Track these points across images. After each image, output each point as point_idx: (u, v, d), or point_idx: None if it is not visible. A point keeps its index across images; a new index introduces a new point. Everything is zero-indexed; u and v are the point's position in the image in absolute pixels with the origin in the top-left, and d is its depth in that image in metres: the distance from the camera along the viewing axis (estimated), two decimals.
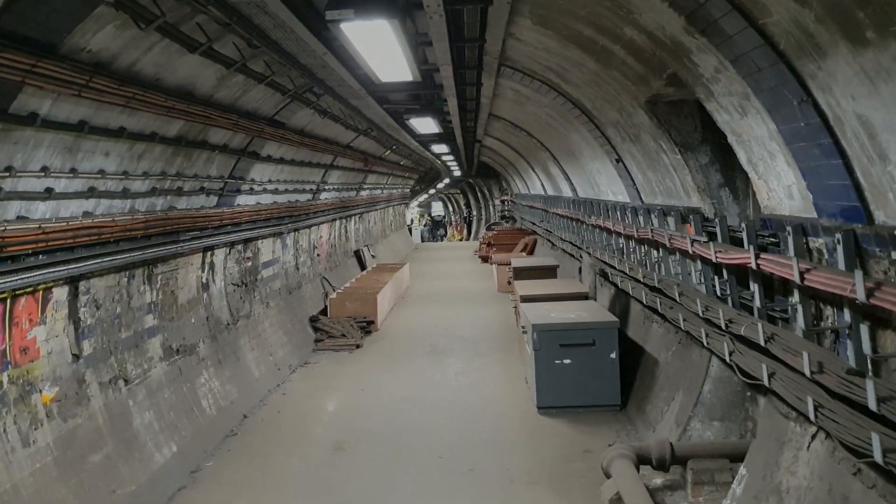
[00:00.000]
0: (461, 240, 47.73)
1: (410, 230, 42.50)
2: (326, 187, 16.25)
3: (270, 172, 11.66)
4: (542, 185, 20.88)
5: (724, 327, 6.27)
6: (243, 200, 10.95)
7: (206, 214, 9.38)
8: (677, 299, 7.61)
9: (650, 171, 8.81)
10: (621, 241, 11.17)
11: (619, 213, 10.99)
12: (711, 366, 7.57)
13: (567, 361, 9.23)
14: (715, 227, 6.97)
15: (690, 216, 7.52)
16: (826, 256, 4.95)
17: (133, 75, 6.15)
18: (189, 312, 9.37)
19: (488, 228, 33.81)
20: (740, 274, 6.62)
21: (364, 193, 22.45)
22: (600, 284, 11.89)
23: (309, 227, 15.81)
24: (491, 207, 43.89)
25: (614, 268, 10.99)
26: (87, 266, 6.66)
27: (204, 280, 9.94)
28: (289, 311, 13.59)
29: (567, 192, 16.42)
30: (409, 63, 6.30)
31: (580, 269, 12.84)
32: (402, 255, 30.69)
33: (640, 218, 9.95)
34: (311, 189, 15.01)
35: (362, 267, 21.48)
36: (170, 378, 8.41)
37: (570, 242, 15.92)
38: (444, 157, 24.05)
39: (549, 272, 14.56)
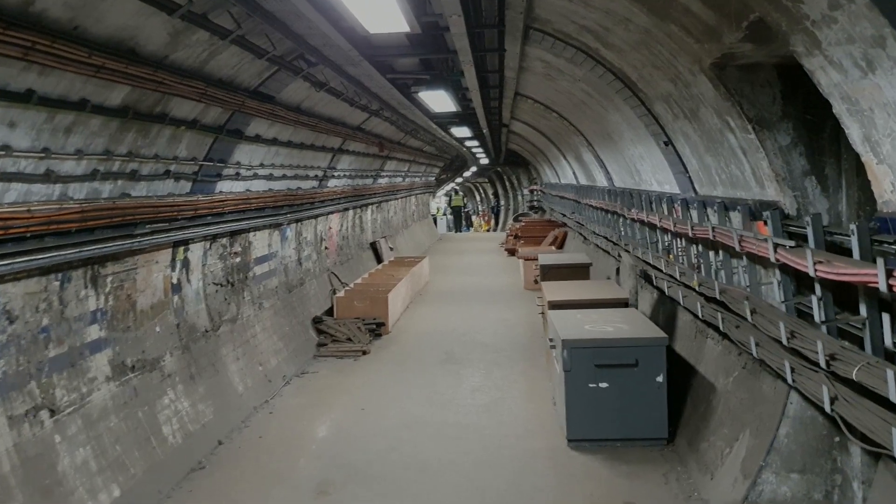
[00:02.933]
0: (488, 230, 46.06)
1: (435, 220, 40.91)
2: (336, 174, 14.72)
3: (262, 155, 10.15)
4: (574, 173, 19.18)
5: (824, 365, 4.62)
6: (227, 187, 9.45)
7: (175, 203, 7.89)
8: (748, 318, 5.95)
9: (709, 156, 7.13)
10: (667, 238, 9.50)
11: (665, 205, 9.31)
12: (790, 403, 5.91)
13: (604, 385, 7.61)
14: (804, 228, 5.31)
15: (767, 212, 5.85)
16: None
17: (33, 19, 4.64)
18: (152, 320, 7.90)
19: (516, 219, 32.15)
20: (841, 292, 4.97)
21: (382, 181, 20.90)
22: (640, 287, 10.22)
23: (315, 217, 14.31)
24: (519, 197, 42.16)
25: (660, 270, 9.32)
26: None
27: (174, 280, 8.47)
28: (287, 312, 12.11)
29: (601, 181, 14.73)
30: (402, 5, 4.72)
31: (618, 269, 11.18)
32: (424, 246, 29.15)
33: (693, 212, 8.28)
34: (317, 175, 13.49)
35: (378, 260, 19.97)
36: (119, 402, 6.95)
37: (605, 238, 14.23)
38: (469, 143, 22.40)
39: (580, 271, 12.92)
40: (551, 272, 12.84)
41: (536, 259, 16.78)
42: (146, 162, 7.12)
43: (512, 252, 25.17)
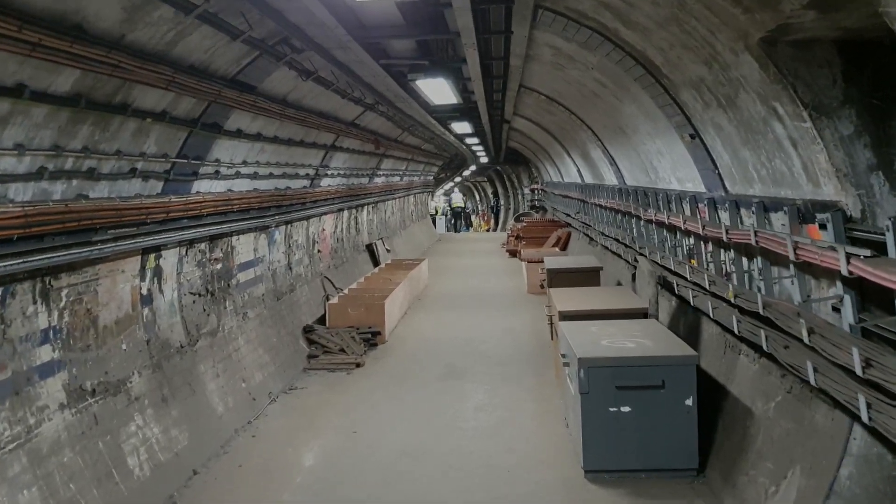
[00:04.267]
0: (488, 230, 45.18)
1: (434, 220, 40.02)
2: (329, 172, 13.85)
3: (245, 152, 9.28)
4: (579, 171, 18.30)
5: None
6: (206, 186, 8.58)
7: (144, 206, 7.01)
8: (804, 338, 5.07)
9: (746, 149, 6.26)
10: (689, 241, 8.64)
11: (688, 206, 8.45)
12: (853, 438, 5.06)
13: (626, 409, 6.74)
14: (875, 234, 4.45)
15: (825, 215, 4.99)
16: None
17: None
18: (118, 336, 7.02)
19: (517, 220, 31.28)
20: None
21: (379, 180, 20.03)
22: (660, 296, 9.34)
23: (306, 218, 13.43)
24: (520, 196, 41.28)
25: (683, 278, 8.44)
26: None
27: (144, 291, 7.59)
28: (275, 321, 11.23)
29: (611, 179, 13.86)
30: None
31: (633, 275, 10.31)
32: (423, 247, 28.27)
33: (722, 213, 7.41)
34: (308, 174, 12.62)
35: (375, 263, 19.09)
36: (75, 433, 6.07)
37: (616, 240, 13.34)
38: (469, 141, 21.54)
39: (590, 276, 12.04)
40: (559, 277, 11.96)
41: (541, 262, 15.94)
42: (107, 159, 6.26)
43: (513, 253, 24.32)
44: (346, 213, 16.85)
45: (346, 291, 14.27)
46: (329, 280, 14.57)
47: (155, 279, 7.82)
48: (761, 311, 5.86)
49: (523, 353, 11.75)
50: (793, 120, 5.17)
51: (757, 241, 5.83)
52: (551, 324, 9.62)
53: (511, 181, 43.62)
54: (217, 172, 8.71)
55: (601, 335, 7.53)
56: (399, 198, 24.99)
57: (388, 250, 20.53)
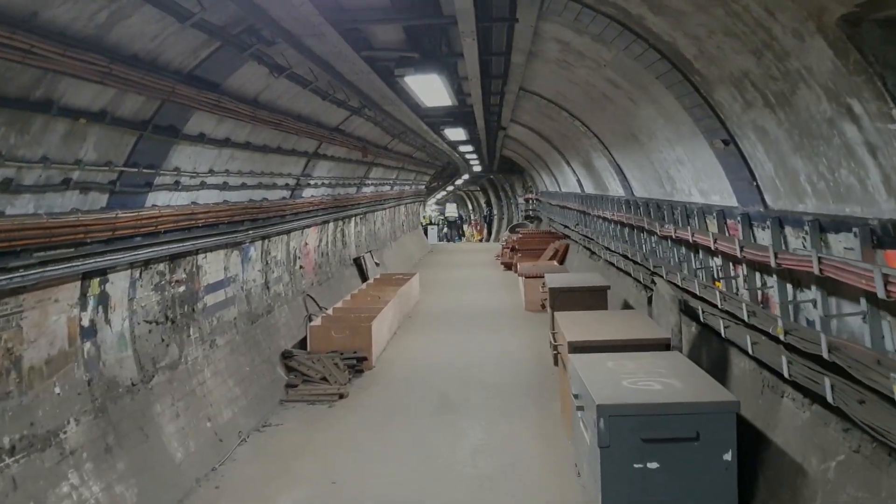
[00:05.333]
0: (480, 240, 44.13)
1: (426, 231, 38.91)
2: (312, 182, 12.75)
3: (211, 159, 8.18)
4: (579, 181, 17.27)
5: None
6: (164, 199, 7.48)
7: (82, 223, 5.91)
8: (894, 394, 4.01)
9: (798, 157, 5.21)
10: (714, 261, 7.60)
11: (713, 221, 7.41)
12: None
13: (653, 465, 5.65)
14: None
15: None
16: None
17: None
18: (49, 378, 5.90)
19: (511, 230, 30.21)
20: None
21: (367, 190, 18.93)
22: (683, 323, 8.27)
23: (287, 232, 12.33)
24: (513, 206, 40.25)
25: (711, 304, 7.38)
26: None
27: (85, 322, 6.47)
28: (249, 347, 10.11)
29: (616, 189, 12.82)
30: None
31: (650, 298, 9.24)
32: (414, 259, 27.17)
33: (760, 231, 6.36)
34: (289, 184, 11.53)
35: (363, 278, 17.97)
36: None
37: (624, 256, 12.28)
38: (463, 149, 20.46)
39: (597, 296, 10.98)
40: (563, 297, 10.90)
41: (540, 277, 14.90)
42: (29, 167, 5.16)
43: (508, 266, 23.28)
44: (331, 225, 15.74)
45: (329, 311, 13.15)
46: (312, 298, 13.46)
47: (99, 308, 6.70)
48: (826, 355, 4.79)
49: (524, 381, 10.67)
50: (874, 121, 4.12)
51: (821, 270, 4.76)
52: (557, 352, 8.54)
53: (504, 190, 42.61)
54: (177, 183, 7.61)
55: (620, 373, 6.45)
56: (389, 208, 23.89)
57: (377, 264, 19.42)
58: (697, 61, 5.84)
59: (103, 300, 6.75)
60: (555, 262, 19.40)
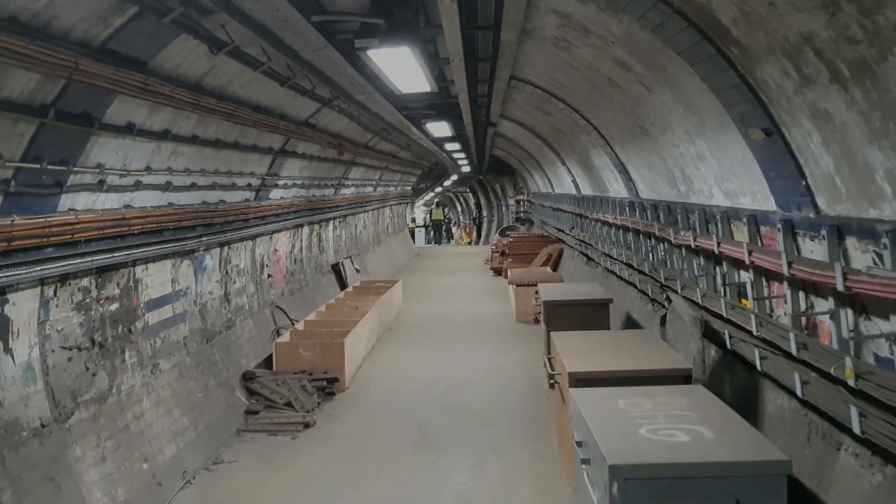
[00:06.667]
0: (469, 243, 42.91)
1: (413, 233, 37.63)
2: (280, 182, 11.49)
3: (146, 155, 6.92)
4: (575, 181, 16.06)
5: None
6: (84, 201, 6.22)
7: None
8: None
9: (875, 148, 4.02)
10: (741, 275, 6.40)
11: (743, 228, 6.21)
12: None
13: None
14: None
15: None
16: None
17: None
18: None
19: (502, 234, 28.98)
20: None
21: (347, 191, 17.67)
22: (706, 349, 7.03)
23: (252, 238, 11.06)
24: (504, 208, 39.05)
25: (743, 330, 6.16)
26: None
27: None
28: (203, 370, 8.84)
29: (618, 190, 11.62)
30: None
31: (664, 318, 8.03)
32: (399, 263, 25.91)
33: (808, 242, 5.17)
34: (251, 185, 10.26)
35: (342, 286, 16.69)
36: None
37: (628, 265, 11.06)
38: (449, 147, 19.25)
39: (598, 310, 9.78)
40: (559, 312, 9.68)
41: (532, 285, 13.70)
42: None
43: (498, 271, 22.08)
44: (305, 229, 14.46)
45: (301, 324, 11.88)
46: (282, 310, 12.19)
47: None
48: None
49: (515, 406, 9.44)
50: None
51: None
52: (554, 381, 7.30)
53: (495, 191, 41.40)
54: (102, 183, 6.34)
55: (635, 416, 5.23)
56: (372, 210, 22.61)
57: (357, 270, 18.15)
58: (737, 27, 4.62)
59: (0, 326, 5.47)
60: (548, 269, 18.19)
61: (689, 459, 4.52)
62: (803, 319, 5.39)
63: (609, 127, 9.79)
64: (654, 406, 5.46)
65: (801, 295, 5.44)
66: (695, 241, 7.14)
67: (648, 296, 9.72)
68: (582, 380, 6.25)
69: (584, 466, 5.29)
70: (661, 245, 9.13)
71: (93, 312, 6.78)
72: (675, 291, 7.88)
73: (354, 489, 7.05)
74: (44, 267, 5.72)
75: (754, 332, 5.75)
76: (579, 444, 5.46)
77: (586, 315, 9.67)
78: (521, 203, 31.22)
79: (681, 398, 5.63)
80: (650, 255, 9.81)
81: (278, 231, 12.38)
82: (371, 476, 7.35)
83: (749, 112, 5.23)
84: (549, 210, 22.67)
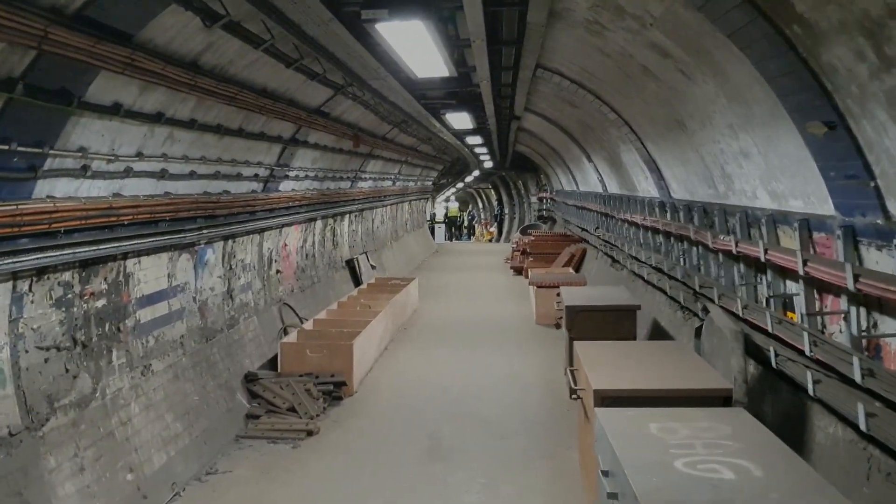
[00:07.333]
0: (490, 240, 42.22)
1: (432, 230, 37.02)
2: (291, 173, 10.93)
3: (138, 140, 6.37)
4: (601, 178, 15.37)
5: None
6: (64, 188, 5.67)
7: None
8: None
9: None
10: (790, 286, 5.72)
11: (794, 234, 5.53)
12: None
13: None
14: None
15: None
16: None
17: None
18: None
19: (523, 232, 28.28)
20: None
21: (364, 184, 17.09)
22: (747, 367, 6.34)
23: (259, 231, 10.51)
24: (525, 206, 38.31)
25: (794, 348, 5.48)
26: None
27: None
28: (201, 371, 8.31)
29: (648, 189, 10.93)
30: None
31: (699, 330, 7.34)
32: (417, 260, 25.32)
33: (873, 252, 4.48)
34: (259, 175, 9.70)
35: (357, 282, 16.13)
36: None
37: (657, 269, 10.37)
38: (471, 141, 18.60)
39: (624, 317, 9.11)
40: (581, 318, 9.04)
41: (554, 287, 13.03)
42: None
43: (519, 270, 21.42)
44: (318, 223, 13.90)
45: (309, 323, 11.33)
46: (291, 308, 11.64)
47: None
48: None
49: (532, 417, 8.82)
50: None
51: None
52: (577, 397, 6.67)
53: (517, 188, 40.65)
54: (85, 168, 5.79)
55: (670, 445, 4.58)
56: (391, 205, 22.04)
57: (373, 266, 17.59)
58: (803, 1, 3.95)
59: None
60: (570, 270, 17.52)
61: None
62: (864, 341, 4.71)
63: (641, 121, 9.12)
64: (692, 433, 4.81)
65: (863, 312, 4.76)
66: (736, 246, 6.46)
67: (679, 303, 9.04)
68: (609, 399, 5.61)
69: (610, 502, 4.65)
70: (695, 249, 8.45)
71: (75, 309, 6.24)
72: (712, 301, 7.20)
73: None
74: (15, 259, 5.18)
75: (807, 352, 5.07)
76: (605, 473, 4.82)
77: (611, 322, 9.02)
78: (544, 201, 30.49)
79: (721, 424, 4.96)
80: (682, 259, 9.13)
81: (288, 225, 11.83)
82: (374, 495, 6.75)
83: (809, 102, 4.55)
84: (572, 208, 21.96)
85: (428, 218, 35.62)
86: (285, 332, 10.89)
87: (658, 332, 9.99)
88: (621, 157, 11.75)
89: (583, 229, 19.48)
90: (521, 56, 8.02)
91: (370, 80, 8.30)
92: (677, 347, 7.16)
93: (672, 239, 9.52)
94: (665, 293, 9.82)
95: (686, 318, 8.88)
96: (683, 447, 4.57)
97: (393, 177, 20.81)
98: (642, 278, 11.48)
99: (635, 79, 7.72)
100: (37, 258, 5.43)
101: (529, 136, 20.28)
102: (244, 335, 9.82)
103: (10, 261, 5.13)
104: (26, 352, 5.61)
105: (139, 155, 6.49)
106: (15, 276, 5.40)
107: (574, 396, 6.67)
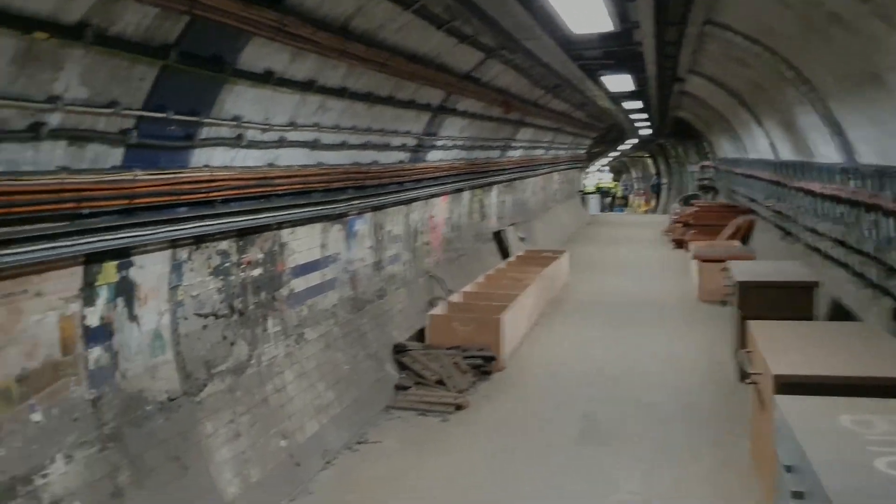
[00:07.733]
0: (647, 212, 40.69)
1: (585, 200, 36.07)
2: (439, 143, 10.76)
3: (290, 108, 6.35)
4: (773, 144, 14.11)
5: None
6: (220, 157, 5.73)
7: (66, 186, 4.23)
8: None
9: None
10: None
11: None
12: None
13: None
14: None
15: None
16: None
17: None
18: (20, 403, 4.27)
19: (684, 202, 26.88)
20: None
21: (514, 154, 16.72)
22: None
23: (407, 202, 10.44)
24: (686, 175, 36.49)
25: None
26: None
27: (93, 321, 4.79)
28: (351, 341, 8.35)
29: (828, 155, 9.82)
30: None
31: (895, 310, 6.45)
32: (568, 231, 24.69)
33: None
34: (407, 145, 9.58)
35: (504, 254, 15.85)
36: None
37: (840, 242, 9.32)
38: (628, 106, 17.70)
39: (801, 295, 8.26)
40: (754, 295, 8.28)
41: (719, 261, 12.16)
42: None
43: (680, 244, 20.33)
44: (466, 194, 13.71)
45: (457, 295, 11.17)
46: (437, 279, 11.54)
47: (120, 301, 5.03)
48: None
49: (696, 401, 8.22)
50: None
51: None
52: (752, 382, 6.04)
53: (677, 156, 38.82)
54: (240, 138, 5.81)
55: (868, 442, 3.97)
56: (541, 174, 21.51)
57: (521, 238, 17.24)
58: None
59: (125, 290, 5.07)
60: (735, 242, 16.37)
61: None
62: None
63: (825, 77, 8.12)
64: (892, 428, 4.15)
65: None
66: None
67: (869, 281, 8.06)
68: (791, 385, 5.00)
69: (794, 501, 4.09)
70: (889, 221, 7.46)
71: (233, 278, 6.35)
72: None
73: (504, 489, 6.20)
74: (174, 227, 5.26)
75: None
76: (788, 468, 4.26)
77: (786, 299, 8.21)
78: (706, 169, 28.81)
79: None
80: (872, 232, 8.11)
81: (436, 196, 11.69)
82: (526, 476, 6.46)
83: None
84: (739, 177, 20.50)
85: (580, 188, 34.75)
86: (432, 304, 10.79)
87: (839, 313, 9.00)
88: (797, 120, 10.63)
89: (751, 199, 18.13)
90: (691, 9, 7.31)
91: (524, 41, 7.90)
92: (867, 329, 6.33)
93: (860, 208, 8.48)
94: (850, 269, 8.80)
95: (875, 296, 7.90)
96: (884, 444, 3.95)
97: (545, 145, 20.28)
98: (820, 251, 10.41)
99: (821, 31, 6.81)
100: (195, 226, 5.51)
101: (691, 99, 19.05)
102: (393, 306, 9.80)
103: (167, 229, 5.21)
104: (185, 319, 5.74)
105: (292, 124, 6.47)
106: (174, 244, 5.51)
107: (747, 381, 6.05)
